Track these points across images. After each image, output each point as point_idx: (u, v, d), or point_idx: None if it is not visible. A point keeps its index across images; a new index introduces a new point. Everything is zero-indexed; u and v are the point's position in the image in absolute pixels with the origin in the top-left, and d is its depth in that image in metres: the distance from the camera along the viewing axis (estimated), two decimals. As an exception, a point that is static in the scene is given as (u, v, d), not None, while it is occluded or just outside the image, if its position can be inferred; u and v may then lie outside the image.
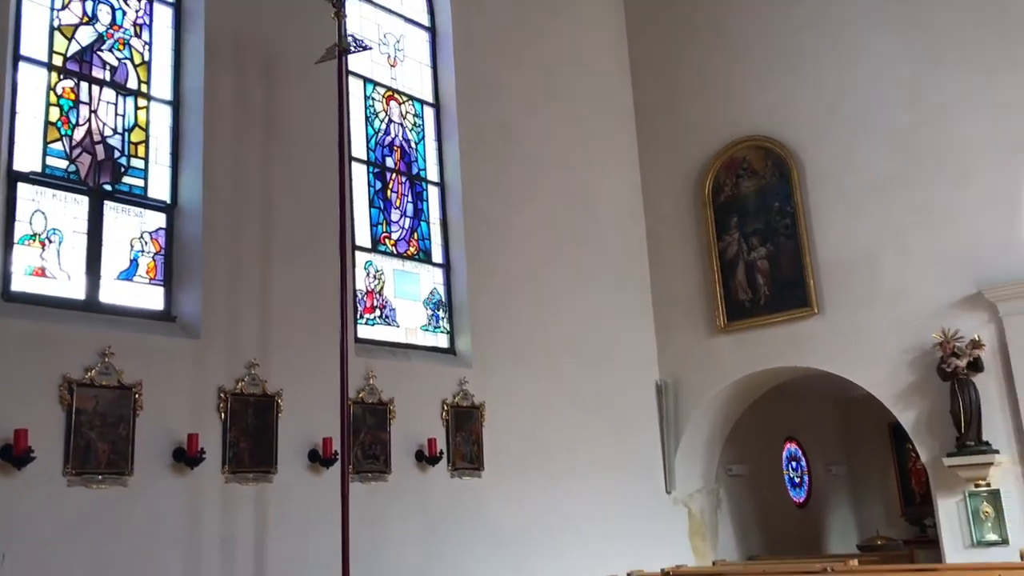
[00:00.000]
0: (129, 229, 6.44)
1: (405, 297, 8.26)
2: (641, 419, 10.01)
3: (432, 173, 8.86)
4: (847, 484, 14.56)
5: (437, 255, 8.65)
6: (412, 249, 8.47)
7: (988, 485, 8.10)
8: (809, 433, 13.87)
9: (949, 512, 8.34)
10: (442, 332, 8.46)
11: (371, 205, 8.22)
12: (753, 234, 9.86)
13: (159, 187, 6.71)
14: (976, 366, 8.16)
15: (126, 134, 6.62)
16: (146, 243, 6.51)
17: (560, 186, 9.80)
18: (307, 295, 7.01)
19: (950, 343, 8.23)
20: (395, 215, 8.42)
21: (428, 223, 8.69)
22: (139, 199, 6.55)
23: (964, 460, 8.09)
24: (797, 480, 13.43)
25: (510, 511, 8.18)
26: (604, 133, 10.69)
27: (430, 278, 8.54)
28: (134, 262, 6.41)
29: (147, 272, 6.47)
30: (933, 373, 8.39)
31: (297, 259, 7.06)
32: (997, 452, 8.03)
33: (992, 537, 8.02)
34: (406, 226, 8.49)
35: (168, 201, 6.70)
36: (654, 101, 10.91)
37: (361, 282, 7.91)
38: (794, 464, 13.46)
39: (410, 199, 8.59)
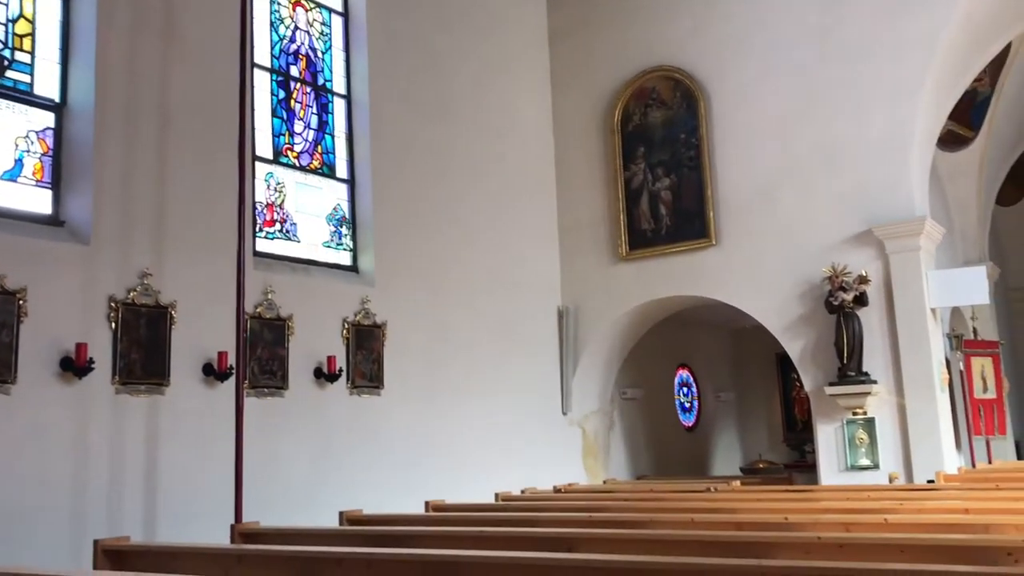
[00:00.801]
0: (13, 127, 6.07)
1: (307, 212, 8.09)
2: (542, 342, 10.16)
3: (339, 85, 8.61)
4: (734, 410, 15.19)
5: (342, 170, 8.47)
6: (315, 163, 8.27)
7: (865, 413, 8.55)
8: (701, 360, 14.36)
9: (827, 438, 8.79)
10: (345, 249, 8.35)
11: (273, 115, 7.96)
12: (659, 165, 9.97)
13: (47, 84, 6.33)
14: (861, 300, 8.51)
15: (10, 25, 6.20)
16: (32, 143, 6.17)
17: (471, 105, 9.68)
18: (204, 205, 6.78)
19: (838, 278, 8.55)
20: (299, 127, 8.18)
21: (333, 136, 8.48)
22: (24, 95, 6.18)
23: (844, 390, 8.50)
24: (687, 405, 13.94)
25: (409, 430, 8.26)
26: (517, 55, 10.57)
27: (334, 193, 8.37)
28: (19, 162, 6.07)
29: (33, 174, 6.15)
30: (821, 306, 8.73)
31: (194, 167, 6.80)
32: (875, 383, 8.46)
33: (865, 462, 8.51)
34: (310, 138, 8.26)
35: (57, 100, 6.34)
36: (569, 26, 10.81)
37: (261, 194, 7.70)
38: (685, 390, 13.96)
39: (315, 111, 8.34)
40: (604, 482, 10.06)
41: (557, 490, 8.07)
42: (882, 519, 4.39)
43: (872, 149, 8.78)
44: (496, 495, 7.35)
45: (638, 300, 10.13)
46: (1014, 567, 3.30)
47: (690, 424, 13.91)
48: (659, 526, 4.72)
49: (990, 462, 9.94)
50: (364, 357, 7.93)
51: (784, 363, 13.01)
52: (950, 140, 10.97)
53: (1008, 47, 9.87)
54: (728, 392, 15.01)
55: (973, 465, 9.68)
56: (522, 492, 7.94)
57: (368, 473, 7.77)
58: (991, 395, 10.17)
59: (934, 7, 8.52)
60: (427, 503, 6.55)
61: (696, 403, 14.16)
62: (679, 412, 13.68)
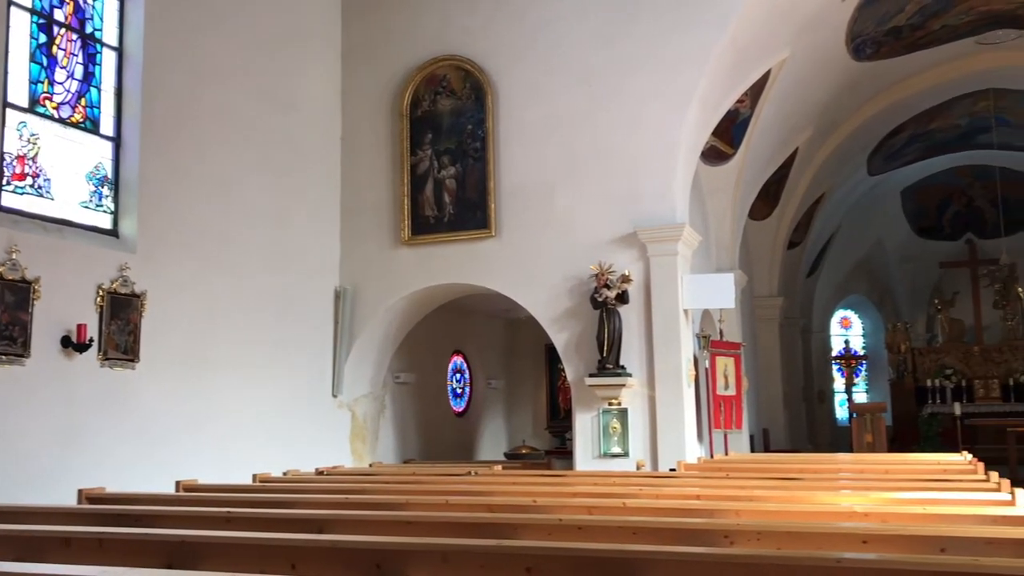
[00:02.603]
0: None
1: (65, 168, 7.49)
2: (316, 322, 9.99)
3: (110, 36, 8.02)
4: (504, 397, 15.64)
5: (107, 127, 7.91)
6: (78, 116, 7.67)
7: (619, 404, 9.07)
8: (475, 348, 14.67)
9: (584, 426, 9.25)
10: (105, 212, 7.80)
11: (32, 60, 7.30)
12: (445, 153, 10.06)
13: None
14: (623, 298, 9.01)
15: None
16: None
17: (256, 72, 9.32)
18: (-60, 151, 6.12)
19: (604, 275, 9.00)
20: (60, 76, 7.55)
21: (100, 90, 7.89)
22: None
23: (602, 381, 8.97)
24: (459, 391, 14.20)
25: (167, 406, 7.87)
26: (309, 27, 10.29)
27: (96, 151, 7.80)
28: None
29: None
30: (587, 301, 9.15)
31: (-70, 108, 6.12)
32: (631, 376, 8.98)
33: (616, 450, 9.03)
34: (73, 90, 7.65)
35: None
36: (364, 4, 10.66)
37: (11, 144, 7.04)
38: (458, 376, 14.21)
39: (80, 60, 7.73)
40: (370, 465, 10.05)
41: (319, 473, 7.98)
42: (621, 503, 4.68)
43: (643, 157, 9.30)
44: (254, 476, 7.18)
45: (417, 286, 10.19)
46: (728, 548, 3.63)
47: (460, 410, 14.17)
48: (414, 508, 4.79)
49: (726, 453, 10.83)
50: (119, 328, 7.45)
51: (553, 354, 13.51)
52: (712, 155, 11.82)
53: (768, 73, 10.76)
54: (499, 380, 15.42)
55: (712, 456, 10.52)
56: (284, 474, 7.80)
57: (119, 451, 7.33)
58: (731, 392, 11.09)
59: (705, 29, 9.12)
60: (178, 483, 6.28)
61: (468, 389, 14.45)
62: (451, 398, 13.91)
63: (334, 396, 10.15)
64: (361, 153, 10.49)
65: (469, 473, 7.30)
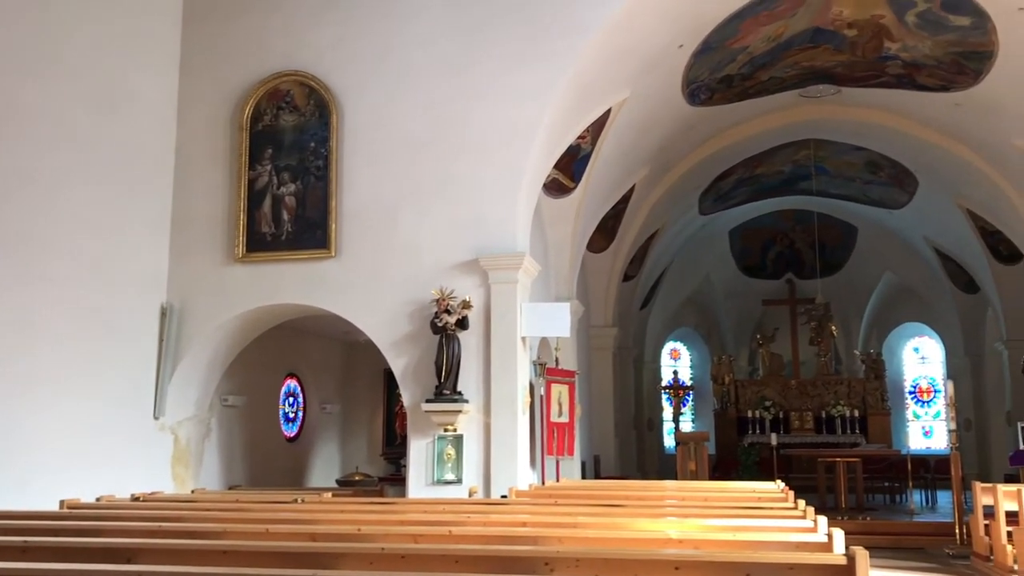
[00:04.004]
0: None
1: None
2: (139, 340, 9.48)
3: (-83, 22, 7.41)
4: (339, 422, 15.32)
5: (-91, 121, 7.27)
6: None
7: (455, 430, 9.06)
8: (311, 371, 14.32)
9: (419, 452, 9.17)
10: (-98, 212, 7.15)
11: None
12: (285, 169, 9.82)
13: None
14: (463, 324, 9.03)
15: None
16: None
17: (84, 71, 8.82)
18: None
19: (445, 300, 9.00)
20: None
21: (-98, 80, 7.26)
22: None
23: (439, 407, 8.94)
24: (292, 415, 13.81)
25: (-38, 425, 7.24)
26: (146, 29, 9.85)
27: None
28: None
29: None
30: (427, 326, 9.11)
31: None
32: (467, 402, 9.00)
33: (450, 476, 9.00)
34: None
35: None
36: (206, 11, 10.30)
37: None
38: (291, 400, 13.82)
39: None
40: (192, 491, 9.58)
41: (135, 499, 7.54)
42: (448, 531, 4.65)
43: (487, 185, 9.40)
44: (61, 503, 6.70)
45: (250, 305, 9.85)
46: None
47: (292, 435, 13.78)
48: (232, 537, 4.59)
49: (558, 480, 11.02)
50: (-88, 339, 6.82)
51: (391, 378, 13.36)
52: (554, 187, 12.11)
53: (608, 112, 11.14)
54: (335, 404, 15.12)
55: (544, 482, 10.67)
56: (97, 500, 7.32)
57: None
58: (565, 419, 11.30)
59: (550, 64, 9.34)
60: (-29, 510, 5.78)
61: (301, 414, 14.07)
62: (282, 422, 13.50)
63: (156, 418, 9.64)
64: (197, 164, 10.09)
65: (296, 500, 7.08)
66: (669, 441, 21.82)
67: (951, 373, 19.73)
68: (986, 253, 16.39)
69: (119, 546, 4.14)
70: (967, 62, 11.41)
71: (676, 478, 13.47)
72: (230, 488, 11.10)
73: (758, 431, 19.48)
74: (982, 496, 9.71)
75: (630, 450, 19.43)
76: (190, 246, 9.94)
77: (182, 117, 10.19)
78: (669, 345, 22.86)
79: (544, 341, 11.80)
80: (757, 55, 12.05)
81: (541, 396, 11.03)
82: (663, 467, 20.47)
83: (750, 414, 19.96)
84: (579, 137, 11.19)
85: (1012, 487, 9.14)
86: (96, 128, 8.93)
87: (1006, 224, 14.93)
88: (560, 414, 11.20)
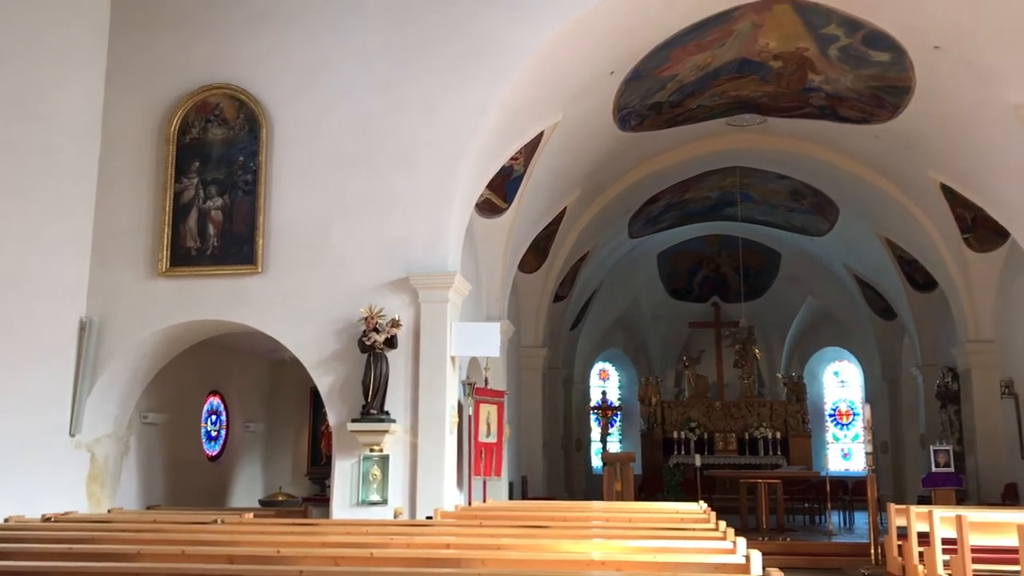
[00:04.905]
0: None
1: None
2: (54, 354, 9.19)
3: None
4: (263, 441, 15.04)
5: None
6: None
7: (381, 450, 8.97)
8: (235, 388, 14.04)
9: (344, 473, 9.06)
10: None
11: None
12: (213, 183, 9.66)
13: None
14: (392, 343, 8.96)
15: None
16: None
17: (3, 76, 8.56)
18: None
19: (374, 319, 8.93)
20: None
21: None
22: None
23: (365, 427, 8.84)
24: (214, 433, 13.51)
25: None
26: (70, 36, 9.63)
27: None
28: None
29: None
30: (355, 344, 9.02)
31: None
32: (394, 422, 8.92)
33: (375, 497, 8.90)
34: None
35: None
36: (134, 22, 10.08)
37: None
38: (214, 418, 13.52)
39: None
40: (108, 511, 9.30)
41: (46, 519, 7.28)
42: (369, 553, 4.60)
43: (418, 204, 9.38)
44: (-34, 523, 6.43)
45: (173, 320, 9.62)
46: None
47: (214, 453, 13.47)
48: (146, 559, 4.47)
49: (485, 501, 10.98)
50: None
51: (317, 397, 13.18)
52: (486, 207, 12.14)
53: (541, 134, 11.24)
54: (259, 423, 14.84)
55: (470, 503, 10.62)
56: (5, 521, 7.05)
57: None
58: (493, 439, 11.30)
59: (483, 85, 9.39)
60: None
61: (224, 432, 13.77)
62: (204, 440, 13.19)
63: (71, 435, 9.32)
64: (121, 175, 9.85)
65: (215, 521, 6.92)
66: (597, 461, 21.96)
67: (869, 397, 20.33)
68: (903, 281, 16.96)
69: (23, 570, 3.99)
70: (886, 96, 11.83)
71: (603, 498, 13.55)
72: (149, 508, 10.79)
73: (683, 452, 19.75)
74: (896, 517, 9.97)
75: (558, 470, 19.50)
76: (112, 259, 9.69)
77: (107, 128, 9.94)
78: (598, 366, 23.06)
79: (474, 360, 11.79)
80: (686, 83, 12.31)
81: (470, 416, 11.01)
82: (590, 487, 20.58)
83: (676, 435, 20.22)
84: (512, 158, 11.27)
85: (924, 508, 9.41)
86: (18, 135, 8.69)
87: (922, 253, 15.49)
88: (488, 434, 11.19)
